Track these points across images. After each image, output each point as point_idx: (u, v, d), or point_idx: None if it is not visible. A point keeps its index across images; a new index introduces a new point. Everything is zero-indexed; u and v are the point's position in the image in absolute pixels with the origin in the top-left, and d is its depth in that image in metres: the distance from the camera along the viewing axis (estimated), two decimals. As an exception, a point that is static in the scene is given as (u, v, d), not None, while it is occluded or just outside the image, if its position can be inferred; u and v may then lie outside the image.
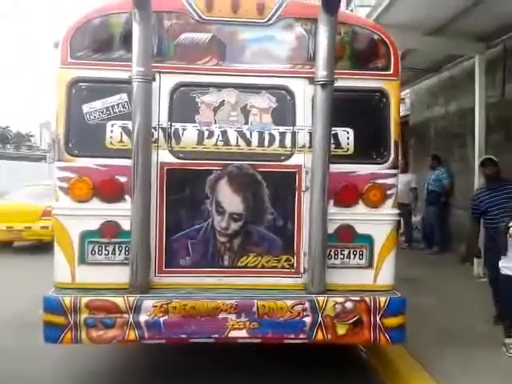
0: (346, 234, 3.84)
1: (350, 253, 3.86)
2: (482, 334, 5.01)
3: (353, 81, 3.83)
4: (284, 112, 3.83)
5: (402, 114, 13.06)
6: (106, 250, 3.72)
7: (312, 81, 3.66)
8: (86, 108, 3.71)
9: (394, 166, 3.90)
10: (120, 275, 3.62)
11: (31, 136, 67.60)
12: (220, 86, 3.80)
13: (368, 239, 3.85)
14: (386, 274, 3.87)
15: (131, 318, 3.52)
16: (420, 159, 10.91)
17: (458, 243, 9.00)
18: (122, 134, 3.72)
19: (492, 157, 5.48)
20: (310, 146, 3.71)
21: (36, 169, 30.15)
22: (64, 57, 3.68)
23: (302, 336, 3.62)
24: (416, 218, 10.75)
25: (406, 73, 9.98)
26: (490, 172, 5.26)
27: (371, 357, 4.74)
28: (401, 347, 4.35)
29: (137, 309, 3.52)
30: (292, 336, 3.62)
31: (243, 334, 3.59)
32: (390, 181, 3.88)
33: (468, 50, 7.66)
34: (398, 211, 3.96)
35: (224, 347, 3.95)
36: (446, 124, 9.83)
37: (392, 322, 3.67)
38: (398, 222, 4.00)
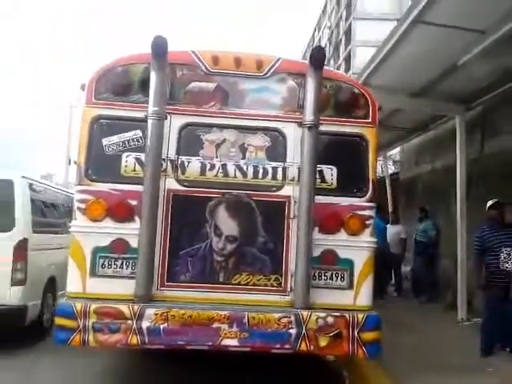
0: (330, 258, 4.33)
1: (332, 275, 4.33)
2: (460, 363, 5.36)
3: (337, 126, 4.47)
4: (276, 150, 4.43)
5: (392, 171, 13.87)
6: (114, 264, 4.20)
7: (300, 124, 4.27)
8: (105, 141, 4.31)
9: (372, 200, 4.45)
10: (126, 287, 4.08)
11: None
12: (222, 127, 4.42)
13: (349, 263, 4.34)
14: (364, 296, 4.33)
15: (134, 324, 3.95)
16: (409, 212, 11.49)
17: (444, 292, 9.42)
18: (135, 164, 4.30)
19: (498, 200, 6.06)
20: (299, 180, 4.27)
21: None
22: (89, 97, 4.33)
23: (287, 346, 4.04)
24: (406, 269, 11.18)
25: (395, 132, 10.78)
26: (494, 214, 5.87)
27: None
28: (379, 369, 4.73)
29: (140, 316, 3.96)
30: (278, 346, 4.05)
31: (234, 342, 4.01)
32: (367, 212, 4.42)
33: (449, 111, 8.38)
34: (375, 240, 4.47)
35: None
36: (432, 179, 10.48)
37: (368, 336, 4.11)
38: (376, 249, 4.48)
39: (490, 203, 6.06)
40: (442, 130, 9.85)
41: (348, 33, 41.32)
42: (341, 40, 42.57)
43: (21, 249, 5.78)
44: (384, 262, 9.55)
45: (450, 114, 8.47)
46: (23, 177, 6.30)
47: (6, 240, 5.73)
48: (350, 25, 40.86)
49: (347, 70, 38.15)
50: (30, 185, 6.43)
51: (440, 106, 8.21)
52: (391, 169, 14.17)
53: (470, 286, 7.86)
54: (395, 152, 14.08)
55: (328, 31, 44.74)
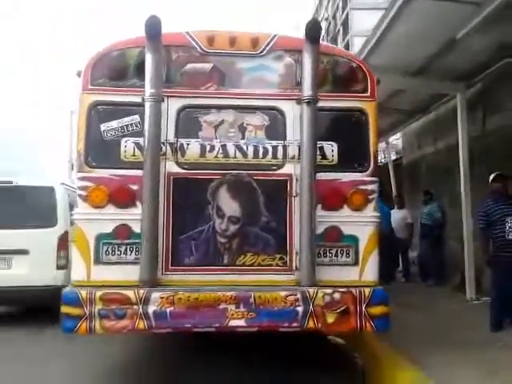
0: (334, 235, 4.29)
1: (337, 251, 4.29)
2: (470, 339, 5.33)
3: (336, 102, 4.42)
4: (276, 129, 4.39)
5: (394, 157, 13.79)
6: (118, 250, 4.17)
7: (299, 101, 4.22)
8: (103, 127, 4.28)
9: (374, 174, 4.40)
10: (131, 273, 4.05)
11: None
12: (220, 108, 4.38)
13: (353, 239, 4.30)
14: (370, 271, 4.29)
15: (141, 309, 3.93)
16: (414, 196, 11.42)
17: (452, 274, 9.37)
18: (134, 148, 4.27)
19: (502, 173, 6.01)
20: (300, 157, 4.23)
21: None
22: (85, 83, 4.29)
23: (295, 324, 4.01)
24: (413, 254, 11.12)
25: (396, 115, 10.71)
26: (498, 187, 5.84)
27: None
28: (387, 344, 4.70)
29: (146, 300, 3.94)
30: (286, 324, 4.01)
31: (242, 323, 3.98)
32: (370, 187, 4.37)
33: (449, 89, 8.32)
34: (378, 214, 4.43)
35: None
36: (435, 161, 10.41)
37: (376, 310, 4.07)
38: (379, 223, 4.44)
39: (492, 176, 6.01)
40: (442, 111, 9.77)
41: (345, 23, 41.10)
42: (338, 31, 42.36)
43: (63, 240, 7.17)
44: (390, 248, 9.54)
45: (450, 92, 8.42)
46: (61, 183, 8.05)
47: (52, 234, 7.20)
48: (347, 15, 40.62)
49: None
50: (66, 189, 7.78)
51: (440, 84, 8.15)
52: (394, 155, 14.10)
53: (477, 265, 7.82)
54: (396, 140, 14.07)
55: (325, 23, 44.49)
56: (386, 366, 4.54)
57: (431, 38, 6.47)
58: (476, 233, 7.64)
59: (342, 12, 42.33)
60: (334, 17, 44.88)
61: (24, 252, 6.96)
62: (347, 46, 39.77)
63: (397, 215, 10.78)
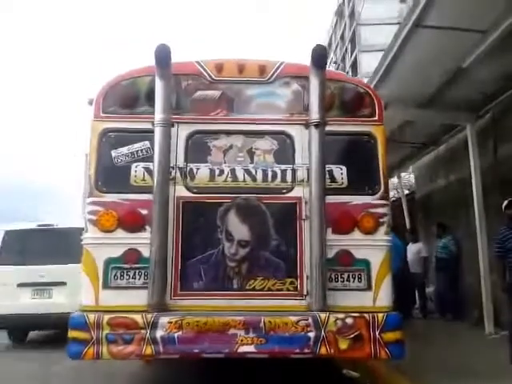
0: (345, 259, 4.22)
1: (349, 276, 4.21)
2: (488, 372, 5.12)
3: (345, 126, 4.45)
4: (284, 153, 4.40)
5: (407, 192, 13.72)
6: (127, 274, 4.14)
7: (307, 125, 4.25)
8: (114, 153, 4.34)
9: (384, 197, 4.36)
10: (139, 298, 3.99)
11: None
12: (229, 133, 4.43)
13: (365, 263, 4.22)
14: (383, 296, 4.18)
15: (148, 334, 3.86)
16: (428, 230, 11.26)
17: (470, 308, 9.10)
18: (144, 173, 4.30)
19: None
20: (308, 181, 4.22)
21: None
22: (97, 111, 4.38)
23: (306, 350, 3.89)
24: (429, 289, 10.86)
25: (407, 149, 10.72)
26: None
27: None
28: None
29: (154, 325, 3.87)
30: (297, 351, 3.89)
31: (251, 349, 3.88)
32: (381, 210, 4.32)
33: (459, 120, 8.31)
34: (390, 238, 4.35)
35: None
36: (448, 194, 10.31)
37: (391, 336, 3.94)
38: (391, 247, 4.36)
39: (505, 203, 5.92)
40: (453, 143, 9.75)
41: (354, 65, 42.05)
42: (348, 72, 43.23)
43: None
44: (406, 283, 9.34)
45: (460, 123, 8.41)
46: None
47: None
48: (356, 57, 41.56)
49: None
50: None
51: (449, 115, 8.16)
52: (406, 190, 14.01)
53: (495, 299, 7.61)
54: (409, 175, 14.00)
55: (334, 66, 45.58)
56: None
57: (438, 67, 6.54)
58: (493, 265, 7.50)
59: (351, 55, 43.33)
60: (343, 59, 45.94)
61: (62, 284, 7.93)
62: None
63: (411, 249, 10.61)
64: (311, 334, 3.90)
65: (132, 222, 4.20)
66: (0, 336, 8.70)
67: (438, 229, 10.04)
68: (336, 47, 49.12)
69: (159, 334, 3.86)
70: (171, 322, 3.88)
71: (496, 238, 5.79)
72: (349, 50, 44.56)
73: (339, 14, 49.42)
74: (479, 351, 6.38)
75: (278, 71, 4.51)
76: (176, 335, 3.87)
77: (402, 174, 13.40)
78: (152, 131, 4.14)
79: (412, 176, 13.71)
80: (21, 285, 8.03)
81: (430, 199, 11.47)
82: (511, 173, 7.77)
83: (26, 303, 7.94)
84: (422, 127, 9.21)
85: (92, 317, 3.90)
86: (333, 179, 4.35)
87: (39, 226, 8.72)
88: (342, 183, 4.37)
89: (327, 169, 4.25)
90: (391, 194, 14.28)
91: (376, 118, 4.48)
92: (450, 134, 9.51)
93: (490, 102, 7.68)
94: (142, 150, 4.36)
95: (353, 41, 43.75)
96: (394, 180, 13.93)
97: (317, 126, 4.13)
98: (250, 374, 5.09)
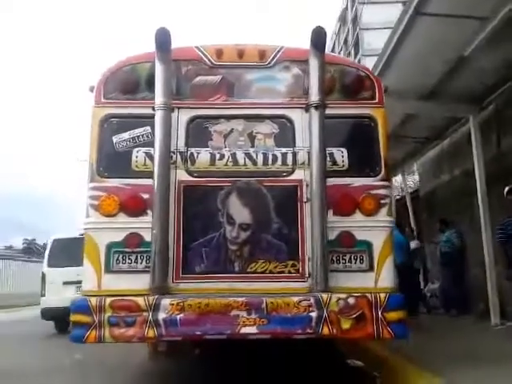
0: (347, 240, 4.20)
1: (351, 257, 4.19)
2: (494, 358, 5.06)
3: (345, 109, 4.45)
4: (285, 136, 4.41)
5: (411, 189, 13.67)
6: (129, 259, 4.14)
7: (307, 109, 4.25)
8: (115, 138, 4.36)
9: (385, 179, 4.36)
10: (141, 282, 4.00)
11: (58, 249, 67.95)
12: (229, 117, 4.44)
13: (367, 245, 4.20)
14: (385, 277, 4.15)
15: (150, 316, 3.85)
16: (432, 226, 11.21)
17: (475, 302, 9.03)
18: (145, 158, 4.31)
19: None
20: (309, 164, 4.22)
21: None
22: (98, 97, 4.41)
23: (309, 331, 3.87)
24: (434, 286, 10.79)
25: (411, 144, 10.70)
26: None
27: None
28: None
29: (156, 307, 3.86)
30: (300, 331, 3.87)
31: (253, 330, 3.86)
32: (382, 191, 4.31)
33: (461, 112, 8.28)
34: (392, 219, 4.34)
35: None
36: (452, 188, 10.27)
37: (393, 316, 3.92)
38: (393, 228, 4.35)
39: (507, 189, 5.89)
40: (456, 137, 9.73)
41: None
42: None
43: None
44: (411, 278, 9.29)
45: (463, 115, 8.38)
46: None
47: None
48: (359, 61, 41.76)
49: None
50: None
51: (452, 107, 8.13)
52: (410, 187, 13.98)
53: (501, 291, 7.56)
54: (411, 175, 13.99)
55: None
56: (407, 377, 4.32)
57: (439, 56, 6.54)
58: (497, 256, 7.46)
59: (354, 58, 43.53)
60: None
61: None
62: None
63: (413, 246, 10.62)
64: (313, 314, 3.88)
65: (134, 206, 4.21)
66: (48, 326, 10.49)
67: (440, 224, 10.01)
68: (340, 51, 49.30)
69: (161, 316, 3.85)
70: (173, 304, 3.87)
71: (498, 225, 5.76)
72: (352, 54, 44.66)
73: (342, 19, 49.66)
74: (484, 341, 6.32)
75: (278, 55, 4.52)
76: (178, 317, 3.86)
77: (406, 175, 13.37)
78: (153, 116, 4.15)
79: (416, 175, 13.67)
80: (66, 283, 9.88)
81: (434, 195, 11.43)
82: (514, 163, 7.75)
83: (70, 298, 8.60)
84: (424, 121, 9.19)
85: (94, 300, 3.89)
86: (334, 162, 4.35)
87: (80, 235, 9.40)
88: (343, 166, 4.37)
89: (328, 151, 4.25)
90: (395, 192, 14.28)
91: (376, 100, 4.48)
92: (454, 128, 9.48)
93: (492, 92, 7.66)
94: (142, 135, 4.37)
95: (356, 45, 43.90)
96: (398, 178, 13.93)
97: (317, 107, 4.14)
98: (254, 369, 5.06)
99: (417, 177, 13.78)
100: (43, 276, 10.52)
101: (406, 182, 13.11)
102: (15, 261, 28.67)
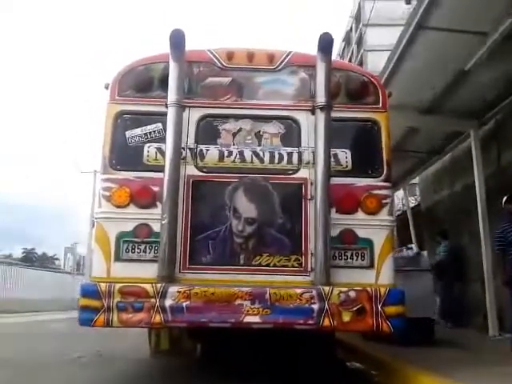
0: (349, 237, 4.36)
1: (352, 254, 4.34)
2: (492, 363, 5.15)
3: (350, 113, 4.65)
4: (291, 136, 4.59)
5: (412, 204, 13.77)
6: (138, 248, 4.29)
7: (313, 111, 4.43)
8: (128, 133, 4.54)
9: (387, 180, 4.52)
10: (149, 271, 4.14)
11: (56, 259, 68.11)
12: (238, 117, 4.63)
13: (368, 242, 4.35)
14: (385, 274, 4.29)
15: (158, 302, 3.98)
16: (433, 240, 11.33)
17: (474, 316, 9.10)
18: (156, 153, 4.49)
19: None
20: (314, 163, 4.38)
21: (59, 279, 30.93)
22: (112, 94, 4.61)
23: (310, 322, 4.00)
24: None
25: (412, 159, 10.87)
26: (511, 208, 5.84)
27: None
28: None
29: (163, 294, 4.00)
30: (301, 322, 4.00)
31: (257, 319, 3.99)
32: (384, 192, 4.48)
33: (462, 127, 8.50)
34: (393, 218, 4.49)
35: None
36: (452, 203, 10.42)
37: (393, 310, 4.06)
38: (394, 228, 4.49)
39: (505, 198, 6.05)
40: (457, 152, 9.90)
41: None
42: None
43: None
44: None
45: (463, 130, 8.58)
46: None
47: None
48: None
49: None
50: None
51: (452, 122, 8.36)
52: (412, 202, 14.12)
53: (500, 305, 7.65)
54: (412, 185, 14.08)
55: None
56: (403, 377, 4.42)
57: (440, 70, 6.75)
58: (496, 270, 7.56)
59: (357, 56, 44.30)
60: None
61: None
62: None
63: None
64: (315, 306, 4.01)
65: (144, 198, 4.37)
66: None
67: (438, 237, 10.21)
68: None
69: (168, 303, 3.98)
70: (180, 292, 4.01)
71: (496, 232, 5.90)
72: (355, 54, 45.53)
73: (347, 40, 50.55)
74: (481, 347, 6.41)
75: (286, 60, 4.73)
76: (184, 304, 3.99)
77: (407, 186, 13.51)
78: (164, 114, 4.34)
79: (417, 190, 13.82)
80: None
81: (435, 209, 11.57)
82: (514, 178, 7.90)
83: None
84: (425, 136, 9.39)
85: (103, 285, 4.03)
86: (338, 162, 4.52)
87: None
88: (347, 166, 4.54)
89: (332, 152, 4.42)
90: (396, 207, 14.41)
91: (380, 105, 4.67)
92: (454, 144, 9.67)
93: (492, 107, 7.85)
94: (154, 132, 4.56)
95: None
96: (399, 193, 14.07)
97: (322, 108, 4.32)
98: (254, 370, 5.16)
99: (417, 192, 13.92)
100: None
101: (407, 198, 13.25)
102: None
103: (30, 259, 61.60)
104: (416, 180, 13.23)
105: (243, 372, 5.07)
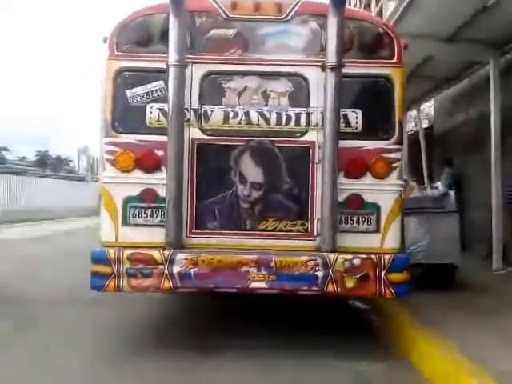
0: (356, 202, 4.31)
1: (359, 219, 4.32)
2: (490, 302, 5.32)
3: (362, 68, 4.36)
4: (299, 95, 4.38)
5: (425, 125, 13.53)
6: (145, 213, 4.30)
7: (323, 67, 4.19)
8: (129, 93, 4.36)
9: (399, 142, 4.37)
10: (157, 235, 4.19)
11: (70, 161, 68.95)
12: (243, 74, 4.39)
13: (375, 207, 4.31)
14: (391, 239, 4.30)
15: (166, 269, 4.08)
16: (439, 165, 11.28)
17: (478, 243, 9.26)
18: (159, 114, 4.34)
19: None
20: (323, 125, 4.23)
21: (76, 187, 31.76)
22: (111, 50, 4.36)
23: (314, 288, 4.10)
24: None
25: (428, 83, 10.47)
26: None
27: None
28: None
29: (171, 261, 4.08)
30: (305, 288, 4.11)
31: (263, 285, 4.10)
32: (394, 155, 4.35)
33: (482, 56, 8.06)
34: (402, 182, 4.42)
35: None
36: (466, 129, 10.19)
37: (396, 277, 4.12)
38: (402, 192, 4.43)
39: None
40: (477, 78, 9.49)
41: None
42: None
43: None
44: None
45: (483, 59, 8.14)
46: None
47: None
48: (382, 6, 39.65)
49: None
50: None
51: (473, 50, 7.90)
52: (425, 123, 13.84)
53: (504, 236, 7.74)
54: (428, 108, 13.75)
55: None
56: (402, 325, 4.61)
57: (462, 1, 6.26)
58: (504, 203, 7.57)
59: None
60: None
61: None
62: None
63: None
64: (319, 273, 4.08)
65: (148, 162, 4.30)
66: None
67: (443, 164, 10.18)
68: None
69: (176, 269, 4.08)
70: (187, 259, 4.08)
71: (508, 184, 5.78)
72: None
73: None
74: (484, 286, 6.57)
75: (296, 9, 4.38)
76: (192, 271, 4.08)
77: (422, 107, 13.17)
78: (166, 71, 4.13)
79: (432, 109, 13.47)
80: None
81: (448, 134, 11.35)
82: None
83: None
84: (443, 62, 8.95)
85: (112, 252, 4.11)
86: (347, 124, 4.34)
87: None
88: (356, 128, 4.37)
89: (342, 113, 4.23)
90: (409, 126, 14.15)
91: (395, 59, 4.38)
92: (472, 70, 9.24)
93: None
94: (156, 90, 4.37)
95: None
96: (412, 113, 13.74)
97: (333, 69, 4.08)
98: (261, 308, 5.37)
99: (432, 112, 13.57)
100: None
101: (420, 119, 12.94)
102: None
103: (44, 162, 62.34)
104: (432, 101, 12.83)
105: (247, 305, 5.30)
